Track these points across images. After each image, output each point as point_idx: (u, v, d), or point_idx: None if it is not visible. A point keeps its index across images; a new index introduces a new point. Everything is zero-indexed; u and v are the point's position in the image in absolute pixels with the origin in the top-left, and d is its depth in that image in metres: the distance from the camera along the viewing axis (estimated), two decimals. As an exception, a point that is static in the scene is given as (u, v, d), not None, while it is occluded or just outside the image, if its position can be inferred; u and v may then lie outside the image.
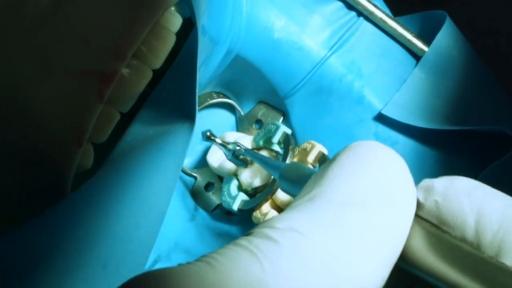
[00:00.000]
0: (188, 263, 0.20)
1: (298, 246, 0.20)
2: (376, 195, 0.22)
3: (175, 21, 0.35)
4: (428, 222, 0.23)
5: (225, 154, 0.44)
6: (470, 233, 0.22)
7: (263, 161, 0.40)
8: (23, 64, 0.30)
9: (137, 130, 0.36)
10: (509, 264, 0.21)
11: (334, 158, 0.24)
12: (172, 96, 0.36)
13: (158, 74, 0.37)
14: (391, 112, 0.45)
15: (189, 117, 0.35)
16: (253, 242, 0.20)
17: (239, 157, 0.44)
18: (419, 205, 0.24)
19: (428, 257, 0.22)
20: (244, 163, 0.44)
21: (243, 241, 0.21)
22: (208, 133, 0.44)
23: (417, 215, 0.23)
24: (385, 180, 0.22)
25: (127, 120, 0.37)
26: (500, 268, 0.20)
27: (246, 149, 0.43)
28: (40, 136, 0.31)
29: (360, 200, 0.22)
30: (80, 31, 0.30)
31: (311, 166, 0.43)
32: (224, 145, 0.44)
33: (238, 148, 0.43)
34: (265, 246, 0.20)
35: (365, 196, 0.22)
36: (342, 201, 0.22)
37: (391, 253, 0.21)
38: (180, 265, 0.20)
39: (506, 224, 0.22)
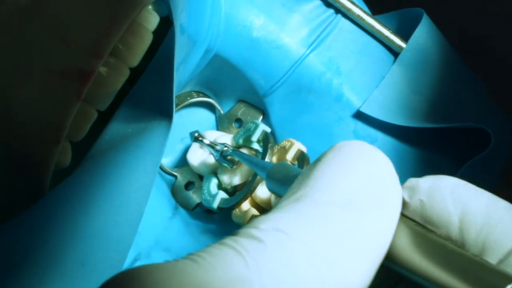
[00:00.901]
0: (175, 260, 0.20)
1: (283, 245, 0.20)
2: (362, 195, 0.22)
3: (152, 20, 0.35)
4: (413, 221, 0.23)
5: (212, 154, 0.45)
6: (454, 232, 0.22)
7: (250, 161, 0.40)
8: (3, 63, 0.30)
9: (115, 128, 0.36)
10: (493, 262, 0.21)
11: (319, 158, 0.24)
12: (150, 94, 0.36)
13: (139, 72, 0.37)
14: (370, 110, 0.45)
15: (167, 115, 0.35)
16: (239, 241, 0.21)
17: (226, 158, 0.44)
18: (404, 204, 0.24)
19: (413, 256, 0.22)
20: (231, 163, 0.45)
21: (229, 240, 0.21)
22: (196, 134, 0.46)
23: (402, 214, 0.23)
24: (371, 180, 0.22)
25: (106, 118, 0.37)
26: (484, 266, 0.20)
27: (234, 150, 0.44)
28: (18, 134, 0.32)
29: (347, 199, 0.22)
30: (58, 30, 0.30)
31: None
32: (212, 145, 0.45)
33: (225, 148, 0.44)
34: (250, 246, 0.20)
35: (351, 196, 0.22)
36: (329, 201, 0.22)
37: (378, 253, 0.21)
38: (166, 261, 0.20)
39: (489, 223, 0.22)
